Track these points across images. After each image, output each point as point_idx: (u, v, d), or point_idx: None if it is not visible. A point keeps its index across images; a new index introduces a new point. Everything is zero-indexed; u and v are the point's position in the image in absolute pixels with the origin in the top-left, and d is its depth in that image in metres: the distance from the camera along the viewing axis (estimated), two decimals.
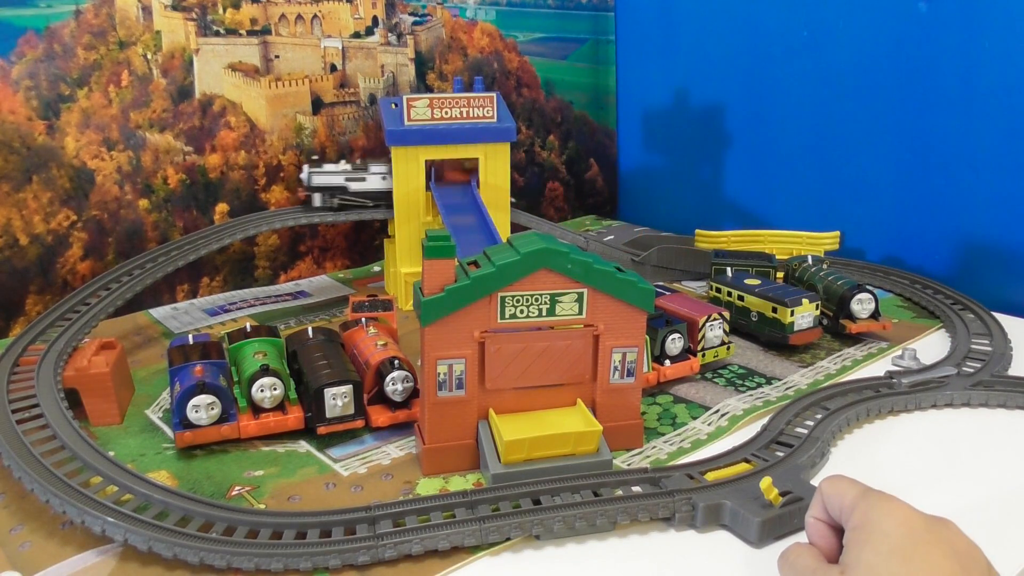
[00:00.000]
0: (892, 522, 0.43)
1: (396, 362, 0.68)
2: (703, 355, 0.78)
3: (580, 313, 0.60)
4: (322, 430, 0.65)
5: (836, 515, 0.47)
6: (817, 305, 0.83)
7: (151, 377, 0.78)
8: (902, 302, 0.97)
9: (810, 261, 0.95)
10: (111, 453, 0.59)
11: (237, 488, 0.60)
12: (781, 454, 0.61)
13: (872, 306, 0.86)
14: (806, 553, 0.47)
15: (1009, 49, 0.94)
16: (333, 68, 1.11)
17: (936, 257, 1.04)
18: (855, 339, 0.86)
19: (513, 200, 1.01)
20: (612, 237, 1.25)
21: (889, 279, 1.02)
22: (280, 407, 0.66)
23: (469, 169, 1.00)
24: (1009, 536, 0.54)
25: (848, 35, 1.09)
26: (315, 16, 1.08)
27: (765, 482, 0.54)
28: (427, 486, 0.60)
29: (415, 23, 1.17)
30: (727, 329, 0.80)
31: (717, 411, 0.72)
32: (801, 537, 0.54)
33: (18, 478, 0.56)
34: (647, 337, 0.67)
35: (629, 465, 0.63)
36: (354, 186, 0.96)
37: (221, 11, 1.01)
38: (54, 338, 0.73)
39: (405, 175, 0.94)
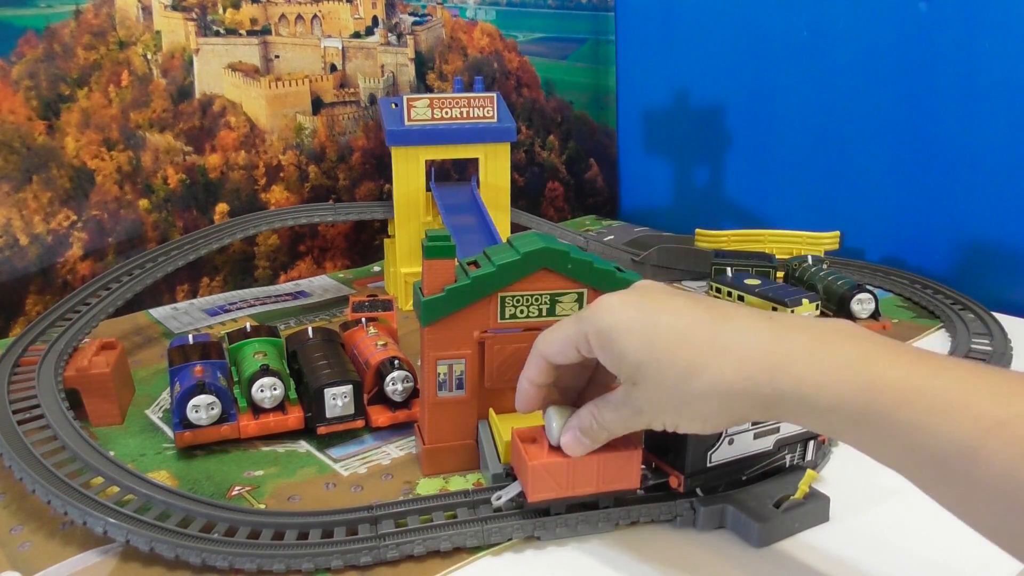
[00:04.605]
0: (617, 318, 0.45)
1: (396, 362, 0.68)
2: None
3: None
4: (322, 430, 0.65)
5: (584, 352, 0.47)
6: (817, 305, 0.83)
7: (151, 377, 0.78)
8: (902, 302, 0.97)
9: (810, 261, 0.95)
10: (111, 453, 0.59)
11: (237, 488, 0.60)
12: None
13: (872, 306, 0.86)
14: (598, 408, 0.48)
15: (1009, 49, 0.94)
16: (333, 68, 1.11)
17: (936, 257, 1.04)
18: None
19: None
20: (612, 237, 1.25)
21: (889, 279, 1.02)
22: (280, 407, 0.66)
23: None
24: None
25: (848, 35, 1.09)
26: (315, 16, 1.08)
27: (811, 475, 0.55)
28: (427, 486, 0.60)
29: (415, 23, 1.17)
30: None
31: None
32: (801, 536, 0.54)
33: (20, 479, 0.56)
34: None
35: None
36: None
37: (221, 11, 1.01)
38: (54, 338, 0.73)
39: (405, 175, 0.94)
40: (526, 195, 1.34)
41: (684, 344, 0.42)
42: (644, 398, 0.45)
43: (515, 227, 1.02)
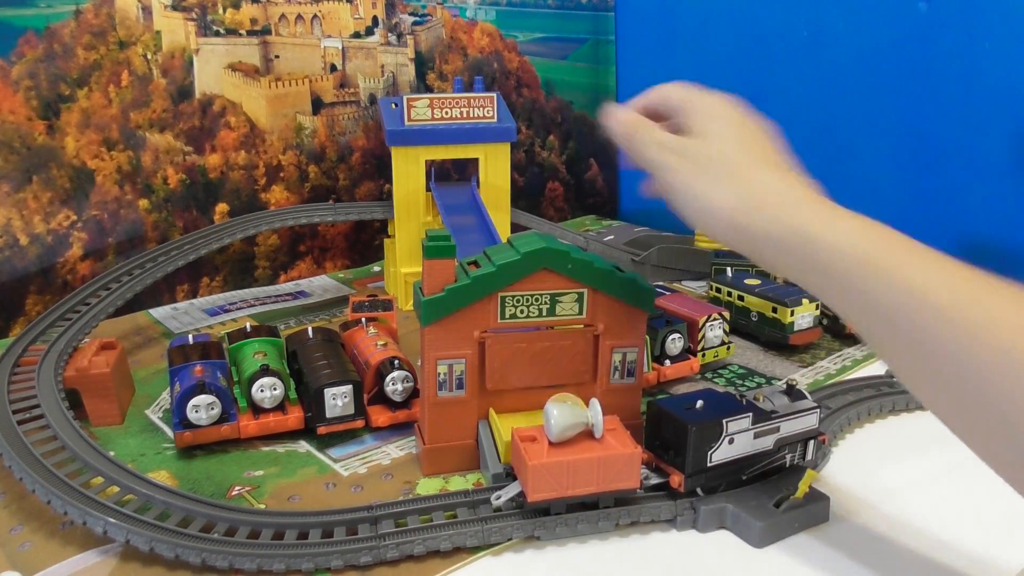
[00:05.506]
0: (723, 107, 0.57)
1: (396, 362, 0.68)
2: (703, 355, 0.78)
3: (580, 313, 0.60)
4: (322, 430, 0.65)
5: (671, 106, 0.58)
6: (817, 305, 0.83)
7: (151, 377, 0.78)
8: None
9: None
10: (111, 453, 0.59)
11: (237, 488, 0.60)
12: None
13: None
14: (657, 128, 0.57)
15: (1009, 49, 0.94)
16: (333, 68, 1.11)
17: None
18: (855, 339, 0.86)
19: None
20: (612, 237, 1.25)
21: None
22: (280, 407, 0.66)
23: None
24: (1009, 536, 0.54)
25: (848, 35, 1.09)
26: (315, 16, 1.08)
27: (811, 475, 0.55)
28: (427, 486, 0.60)
29: (415, 23, 1.17)
30: (727, 329, 0.80)
31: None
32: (801, 536, 0.54)
33: (19, 479, 0.56)
34: (647, 337, 0.67)
35: None
36: None
37: (221, 11, 1.01)
38: (54, 338, 0.73)
39: (405, 175, 0.94)
40: (526, 195, 1.34)
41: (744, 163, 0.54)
42: (697, 147, 0.54)
43: (515, 227, 1.02)
